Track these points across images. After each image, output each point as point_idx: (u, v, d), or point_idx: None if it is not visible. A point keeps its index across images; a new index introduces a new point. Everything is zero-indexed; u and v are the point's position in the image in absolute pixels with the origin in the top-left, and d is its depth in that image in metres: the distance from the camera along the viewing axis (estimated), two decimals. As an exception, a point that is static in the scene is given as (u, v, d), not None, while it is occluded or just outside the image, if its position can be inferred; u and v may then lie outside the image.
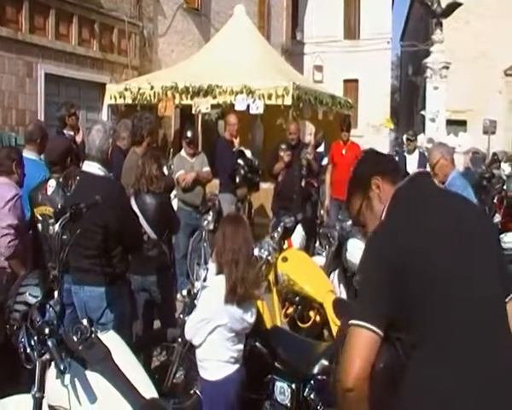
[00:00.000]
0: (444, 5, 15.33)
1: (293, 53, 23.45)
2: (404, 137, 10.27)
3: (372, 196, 2.16)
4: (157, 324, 5.07)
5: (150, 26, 14.32)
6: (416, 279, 1.85)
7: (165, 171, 7.80)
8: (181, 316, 3.85)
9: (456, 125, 20.39)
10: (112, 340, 2.80)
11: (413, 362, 1.85)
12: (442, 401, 1.81)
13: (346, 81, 25.01)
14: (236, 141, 8.61)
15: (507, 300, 1.97)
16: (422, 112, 15.89)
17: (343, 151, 9.07)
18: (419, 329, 1.84)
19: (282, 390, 3.69)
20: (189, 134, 7.64)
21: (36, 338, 2.36)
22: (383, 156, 2.36)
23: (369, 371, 1.82)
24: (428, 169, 5.24)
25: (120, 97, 11.62)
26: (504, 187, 9.67)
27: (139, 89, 11.33)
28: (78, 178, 4.05)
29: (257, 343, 3.80)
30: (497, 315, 1.91)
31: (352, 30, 25.96)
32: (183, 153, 7.77)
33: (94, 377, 2.54)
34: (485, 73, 22.59)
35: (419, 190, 2.08)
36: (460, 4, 15.66)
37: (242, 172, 8.98)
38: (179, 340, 3.83)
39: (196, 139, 8.37)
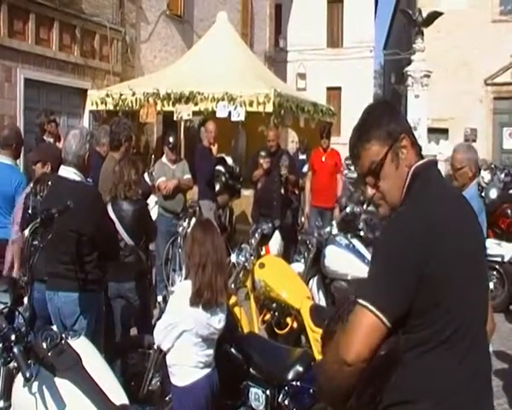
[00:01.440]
0: (425, 14, 15.48)
1: (277, 60, 23.56)
2: None
3: (399, 154, 1.89)
4: (133, 330, 5.05)
5: (132, 32, 14.31)
6: (440, 268, 1.74)
7: (147, 177, 7.80)
8: (157, 322, 3.84)
9: (438, 133, 20.54)
10: (83, 346, 2.77)
11: (414, 354, 1.76)
12: (441, 393, 1.78)
13: (329, 89, 25.18)
14: (214, 148, 8.60)
15: None
16: (404, 120, 16.03)
17: (323, 158, 9.09)
18: (431, 323, 1.75)
19: (257, 396, 3.69)
20: (171, 139, 7.62)
21: (1, 345, 2.33)
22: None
23: (369, 357, 1.71)
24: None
25: (102, 103, 11.59)
26: (483, 194, 9.77)
27: (121, 95, 11.30)
28: (50, 183, 4.02)
29: (232, 350, 3.80)
30: (484, 321, 1.92)
31: (335, 38, 26.17)
32: (164, 159, 7.74)
33: (63, 385, 2.51)
34: (466, 82, 22.80)
35: (438, 178, 1.93)
36: (440, 14, 15.82)
37: (223, 179, 9.01)
38: (155, 347, 3.81)
39: (178, 145, 8.36)
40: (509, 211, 9.96)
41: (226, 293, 3.41)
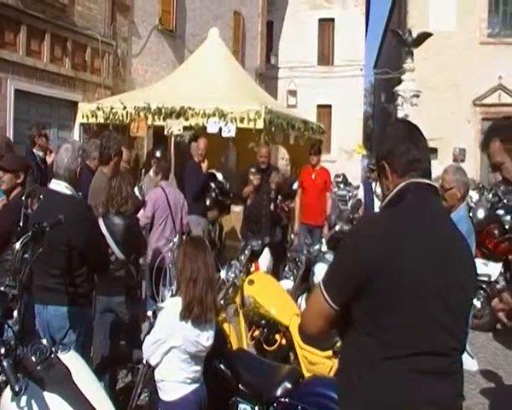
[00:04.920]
0: (414, 35, 15.68)
1: (268, 77, 23.71)
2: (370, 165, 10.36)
3: (382, 177, 2.17)
4: (122, 345, 5.02)
5: (124, 45, 14.36)
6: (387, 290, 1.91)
7: (137, 191, 7.79)
8: (146, 337, 3.83)
9: (427, 152, 20.73)
10: (72, 360, 2.77)
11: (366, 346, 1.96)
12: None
13: (319, 106, 25.35)
14: (204, 165, 8.62)
15: None
16: (393, 139, 16.15)
17: (312, 176, 9.13)
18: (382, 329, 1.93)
19: (246, 413, 3.68)
20: (157, 154, 7.61)
21: (-11, 359, 2.31)
22: (406, 138, 2.14)
23: (319, 334, 2.10)
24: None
25: (93, 116, 11.59)
26: (470, 214, 9.85)
27: (112, 108, 11.32)
28: (41, 196, 4.02)
29: (221, 365, 3.80)
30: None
31: (325, 56, 26.39)
32: (152, 174, 7.73)
33: (52, 399, 2.50)
34: (454, 102, 23.08)
35: (422, 201, 2.05)
36: (430, 35, 16.05)
37: (213, 194, 9.01)
38: (144, 361, 3.80)
39: (168, 160, 8.36)
40: (495, 231, 10.03)
41: (215, 310, 3.41)
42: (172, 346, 3.26)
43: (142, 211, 6.69)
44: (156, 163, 7.28)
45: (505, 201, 11.75)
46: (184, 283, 3.27)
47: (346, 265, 2.00)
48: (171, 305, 3.35)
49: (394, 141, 2.13)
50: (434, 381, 1.92)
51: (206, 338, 3.31)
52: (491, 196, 12.91)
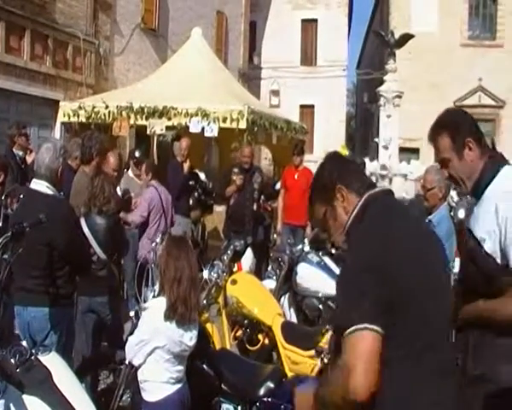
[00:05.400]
0: (397, 36, 15.75)
1: (250, 77, 23.69)
2: None
3: (336, 205, 2.07)
4: (104, 345, 4.99)
5: (106, 44, 14.25)
6: (402, 284, 1.83)
7: (118, 191, 7.73)
8: (129, 338, 3.81)
9: (409, 152, 20.86)
10: (53, 362, 2.74)
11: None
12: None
13: (302, 106, 25.39)
14: (186, 165, 8.60)
15: None
16: (376, 139, 16.22)
17: (295, 176, 9.14)
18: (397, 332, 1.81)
19: (229, 413, 3.68)
20: (136, 154, 7.55)
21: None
22: (348, 163, 2.19)
23: (376, 385, 1.74)
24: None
25: (74, 115, 11.47)
26: (451, 214, 9.92)
27: (94, 107, 11.21)
28: (21, 196, 3.98)
29: (204, 366, 3.80)
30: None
31: (308, 56, 26.44)
32: (130, 174, 7.67)
33: (32, 402, 2.48)
34: (436, 103, 23.08)
35: (392, 202, 2.08)
36: (412, 36, 16.12)
37: (196, 194, 8.97)
38: (126, 362, 3.77)
39: (151, 160, 8.32)
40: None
41: (199, 310, 3.41)
42: (156, 346, 3.25)
43: (136, 211, 6.74)
44: (147, 163, 7.29)
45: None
46: (168, 283, 3.26)
47: (366, 284, 1.81)
48: (155, 305, 3.34)
49: (341, 168, 2.13)
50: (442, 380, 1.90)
51: (189, 338, 3.31)
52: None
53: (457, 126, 2.70)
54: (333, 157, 2.21)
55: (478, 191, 2.68)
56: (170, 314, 3.22)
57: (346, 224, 2.04)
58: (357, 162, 2.45)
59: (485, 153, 2.70)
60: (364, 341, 1.74)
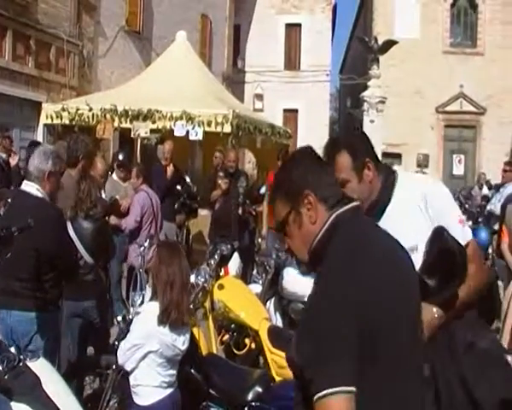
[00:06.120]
0: (380, 42, 15.90)
1: (234, 81, 23.72)
2: None
3: (302, 212, 1.83)
4: (91, 350, 4.94)
5: (90, 46, 14.18)
6: (376, 325, 1.65)
7: (103, 194, 7.68)
8: (116, 342, 3.78)
9: (392, 157, 21.05)
10: (42, 368, 2.72)
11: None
12: None
13: (285, 111, 25.46)
14: (170, 168, 8.55)
15: None
16: (359, 144, 16.34)
17: (280, 180, 9.13)
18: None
19: (217, 418, 3.67)
20: (120, 157, 7.49)
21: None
22: (323, 167, 1.95)
23: None
24: None
25: (57, 117, 11.38)
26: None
27: (77, 110, 11.15)
28: (9, 200, 3.94)
29: (192, 370, 3.78)
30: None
31: (292, 60, 26.53)
32: (115, 176, 7.62)
33: (21, 409, 2.45)
34: (418, 109, 23.53)
35: (363, 226, 1.87)
36: (395, 42, 16.30)
37: (181, 198, 8.95)
38: (114, 367, 3.75)
39: (135, 163, 8.27)
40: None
41: (191, 313, 3.41)
42: (149, 350, 3.25)
43: (130, 216, 6.74)
44: (137, 167, 7.29)
45: (467, 206, 12.00)
46: (161, 287, 3.25)
47: (340, 325, 1.61)
48: (148, 310, 3.33)
49: (313, 170, 1.90)
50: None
51: (182, 342, 3.31)
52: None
53: (356, 146, 2.60)
54: (308, 156, 1.93)
55: (378, 211, 2.52)
56: (163, 319, 3.22)
57: (313, 242, 1.81)
58: (331, 166, 2.28)
59: (380, 171, 2.61)
60: (340, 407, 1.57)
